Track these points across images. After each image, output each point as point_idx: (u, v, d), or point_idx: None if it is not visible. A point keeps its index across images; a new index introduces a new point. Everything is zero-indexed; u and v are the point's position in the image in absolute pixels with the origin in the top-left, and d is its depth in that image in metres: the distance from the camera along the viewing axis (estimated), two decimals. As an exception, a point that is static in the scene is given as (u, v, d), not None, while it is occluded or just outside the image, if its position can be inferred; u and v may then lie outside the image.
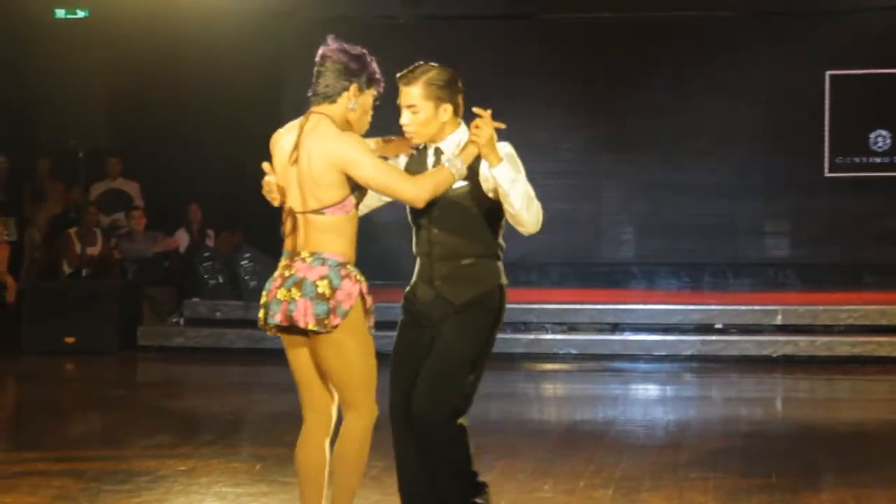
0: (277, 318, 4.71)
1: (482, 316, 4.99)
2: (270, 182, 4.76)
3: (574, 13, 15.37)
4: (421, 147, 5.07)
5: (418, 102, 4.91)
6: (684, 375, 11.57)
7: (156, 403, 10.33)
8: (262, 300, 4.78)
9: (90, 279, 13.53)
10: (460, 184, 4.89)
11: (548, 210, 4.96)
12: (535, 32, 15.53)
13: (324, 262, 4.67)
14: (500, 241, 5.07)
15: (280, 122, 4.92)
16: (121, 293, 13.32)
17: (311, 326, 4.65)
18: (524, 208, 4.85)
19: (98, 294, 13.10)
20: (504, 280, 5.05)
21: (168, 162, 15.26)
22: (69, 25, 13.70)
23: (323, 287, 4.64)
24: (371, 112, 4.88)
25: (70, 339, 12.79)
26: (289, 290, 4.68)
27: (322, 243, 4.70)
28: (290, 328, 4.74)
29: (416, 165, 5.05)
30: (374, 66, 4.84)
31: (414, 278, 5.09)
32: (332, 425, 4.91)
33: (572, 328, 12.71)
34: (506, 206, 4.87)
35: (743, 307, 12.76)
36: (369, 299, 4.76)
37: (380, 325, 4.98)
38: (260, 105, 14.76)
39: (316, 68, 4.81)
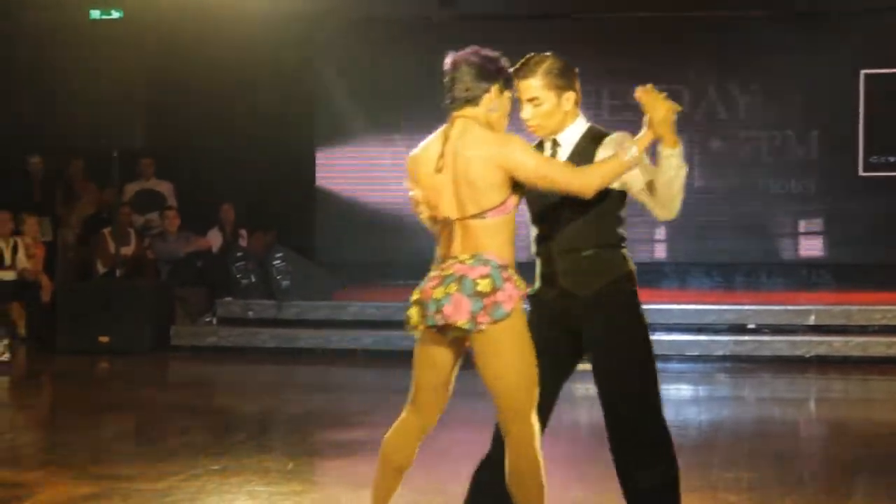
0: (438, 318, 4.51)
1: (619, 304, 4.76)
2: (418, 196, 4.63)
3: (609, 12, 15.34)
4: (537, 141, 4.86)
5: (540, 94, 4.72)
6: (717, 376, 11.53)
7: (188, 403, 10.35)
8: (414, 297, 4.60)
9: (124, 279, 13.61)
10: None
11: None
12: (570, 32, 15.48)
13: (486, 262, 4.51)
14: (621, 231, 4.90)
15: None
16: (154, 293, 13.38)
17: (460, 323, 4.46)
18: (680, 191, 4.83)
19: (132, 294, 13.17)
20: (632, 267, 4.83)
21: (201, 162, 15.30)
22: (103, 26, 13.77)
23: (483, 285, 4.47)
24: (509, 115, 4.71)
25: (104, 339, 12.85)
26: (446, 288, 4.50)
27: (481, 245, 4.54)
28: (442, 327, 4.54)
29: None
30: (508, 66, 4.68)
31: (537, 282, 4.86)
32: (430, 430, 4.78)
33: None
34: (661, 190, 4.81)
35: (776, 307, 12.70)
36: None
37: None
38: (293, 106, 14.79)
39: (449, 75, 4.63)
